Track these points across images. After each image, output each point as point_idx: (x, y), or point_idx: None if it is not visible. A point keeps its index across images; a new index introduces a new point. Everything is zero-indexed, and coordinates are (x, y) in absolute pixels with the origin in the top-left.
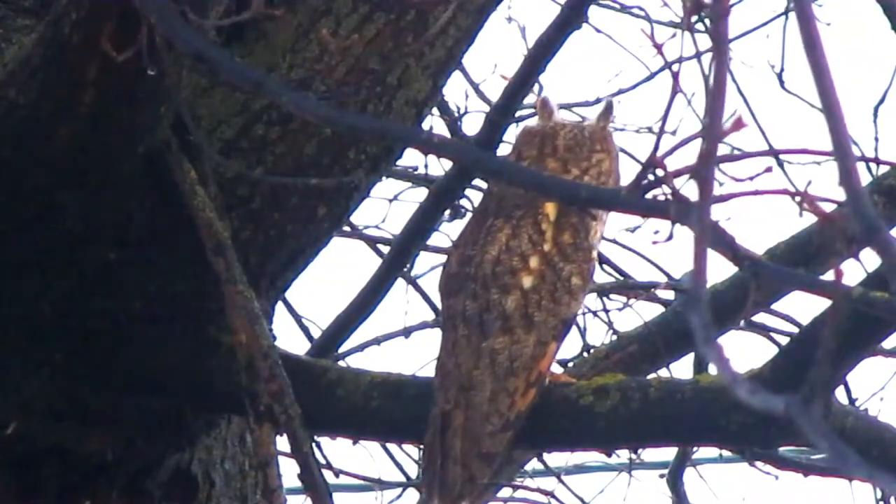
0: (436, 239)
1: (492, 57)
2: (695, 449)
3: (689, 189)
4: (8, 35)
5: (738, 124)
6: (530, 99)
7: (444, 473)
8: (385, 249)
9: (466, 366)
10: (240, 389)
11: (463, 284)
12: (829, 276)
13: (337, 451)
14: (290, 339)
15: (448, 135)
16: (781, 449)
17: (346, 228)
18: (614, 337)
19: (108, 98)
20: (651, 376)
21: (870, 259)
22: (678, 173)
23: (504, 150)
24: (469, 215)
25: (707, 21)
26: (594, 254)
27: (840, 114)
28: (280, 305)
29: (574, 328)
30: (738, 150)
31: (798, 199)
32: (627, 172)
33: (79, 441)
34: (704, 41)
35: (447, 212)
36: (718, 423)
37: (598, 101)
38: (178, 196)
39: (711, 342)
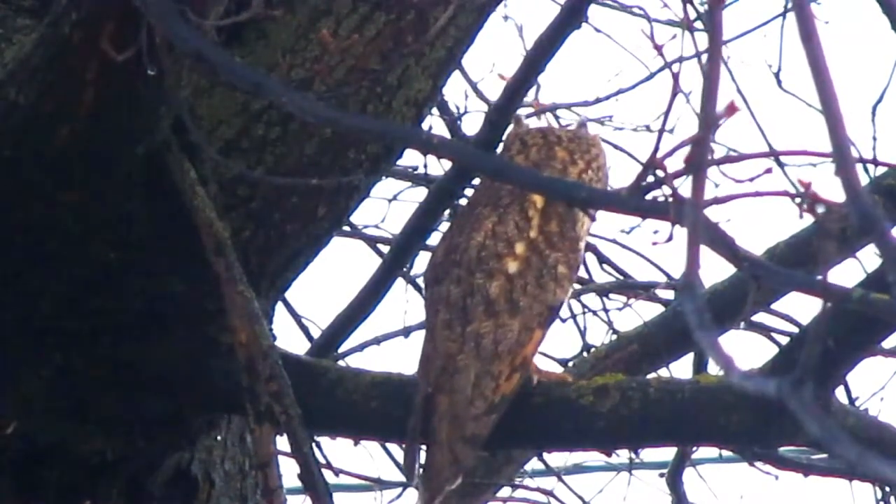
0: (435, 239)
1: (490, 56)
2: (694, 449)
3: (688, 185)
4: (8, 35)
5: (731, 109)
6: (530, 98)
7: (429, 458)
8: (385, 249)
9: (446, 349)
10: (240, 389)
11: (447, 271)
12: (824, 270)
13: (337, 451)
14: (290, 339)
15: (448, 135)
16: (781, 449)
17: (346, 228)
18: (614, 337)
19: (108, 98)
20: (651, 376)
21: (869, 260)
22: (678, 174)
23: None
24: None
25: (704, 16)
26: (581, 245)
27: (837, 108)
28: (280, 305)
29: (574, 328)
30: (736, 152)
31: (798, 200)
32: (627, 172)
33: (79, 441)
34: (703, 40)
35: (447, 212)
36: (718, 423)
37: (597, 100)
38: (178, 196)
39: (706, 329)
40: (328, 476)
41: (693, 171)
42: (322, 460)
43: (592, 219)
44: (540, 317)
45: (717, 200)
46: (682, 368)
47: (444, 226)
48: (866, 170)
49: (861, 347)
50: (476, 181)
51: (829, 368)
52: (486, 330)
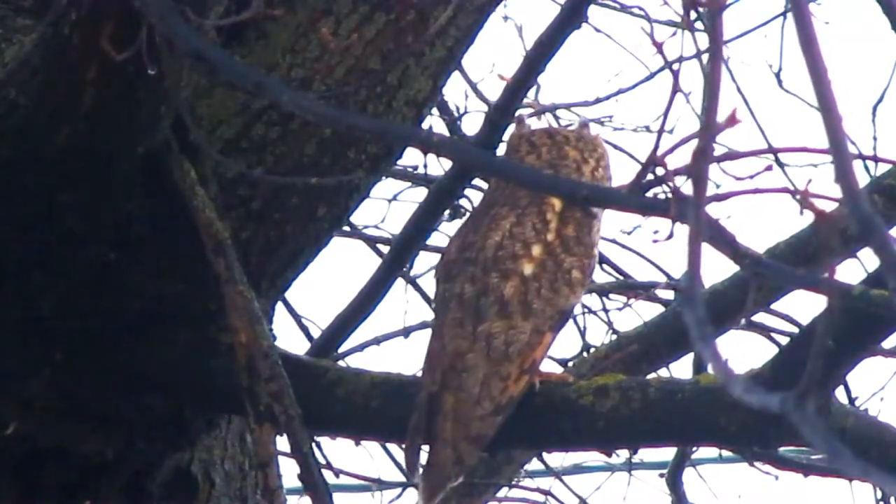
0: (435, 239)
1: (490, 56)
2: (694, 449)
3: (688, 187)
4: (8, 35)
5: (733, 119)
6: (530, 98)
7: (432, 456)
8: (385, 249)
9: (455, 346)
10: (240, 389)
11: (461, 269)
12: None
13: (337, 451)
14: (290, 339)
15: (448, 135)
16: (781, 449)
17: (346, 228)
18: (614, 337)
19: (108, 98)
20: (651, 376)
21: (869, 259)
22: (678, 172)
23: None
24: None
25: (705, 19)
26: (595, 251)
27: (836, 111)
28: (280, 305)
29: (574, 328)
30: (736, 150)
31: (798, 197)
32: (627, 173)
33: (79, 441)
34: (703, 40)
35: (447, 212)
36: (718, 423)
37: (597, 100)
38: (178, 196)
39: (707, 339)
40: (328, 476)
41: (694, 182)
42: (322, 460)
43: (598, 220)
44: (551, 320)
45: (717, 198)
46: (682, 368)
47: (445, 226)
48: (866, 167)
49: (861, 347)
50: (476, 181)
51: (829, 369)
52: (498, 330)
